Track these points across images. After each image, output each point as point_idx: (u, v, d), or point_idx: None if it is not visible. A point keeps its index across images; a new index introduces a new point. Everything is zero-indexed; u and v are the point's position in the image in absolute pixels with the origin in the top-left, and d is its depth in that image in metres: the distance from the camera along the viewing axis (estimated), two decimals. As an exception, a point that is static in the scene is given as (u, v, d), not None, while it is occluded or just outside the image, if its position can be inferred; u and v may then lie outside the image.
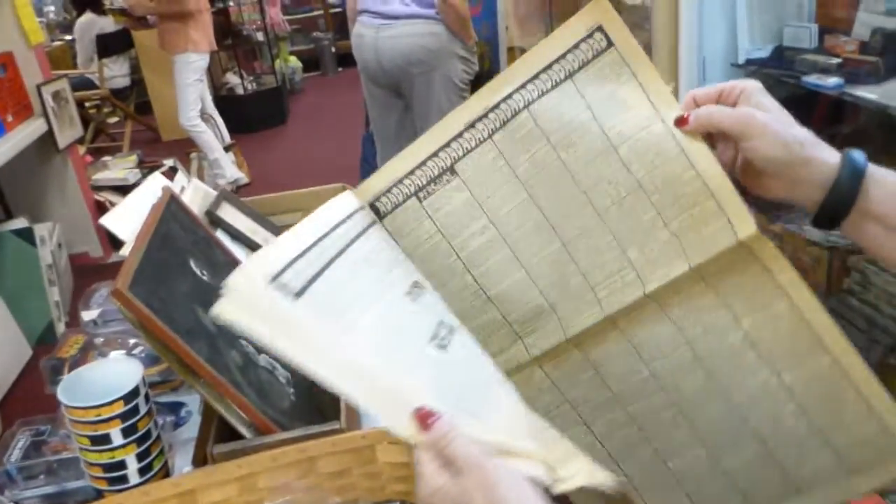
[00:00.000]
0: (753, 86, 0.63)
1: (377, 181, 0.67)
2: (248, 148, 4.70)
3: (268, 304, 0.54)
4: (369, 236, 0.66)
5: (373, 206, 0.67)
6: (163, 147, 5.48)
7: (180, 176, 1.33)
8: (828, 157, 0.61)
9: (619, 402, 0.69)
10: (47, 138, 3.05)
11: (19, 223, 2.88)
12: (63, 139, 3.12)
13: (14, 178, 3.04)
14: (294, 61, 7.15)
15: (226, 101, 5.41)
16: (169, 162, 4.00)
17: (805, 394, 0.65)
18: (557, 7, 3.32)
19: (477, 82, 2.73)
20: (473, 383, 0.61)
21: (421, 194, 0.66)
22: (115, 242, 3.52)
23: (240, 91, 5.88)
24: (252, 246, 1.32)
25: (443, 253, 0.67)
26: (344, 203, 0.66)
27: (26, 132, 2.89)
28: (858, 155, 0.61)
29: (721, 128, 0.61)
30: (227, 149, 4.31)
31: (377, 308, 0.61)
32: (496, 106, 0.65)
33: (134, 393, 0.85)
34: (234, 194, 1.47)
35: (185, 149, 4.48)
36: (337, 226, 0.63)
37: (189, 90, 4.04)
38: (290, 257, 0.58)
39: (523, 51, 3.76)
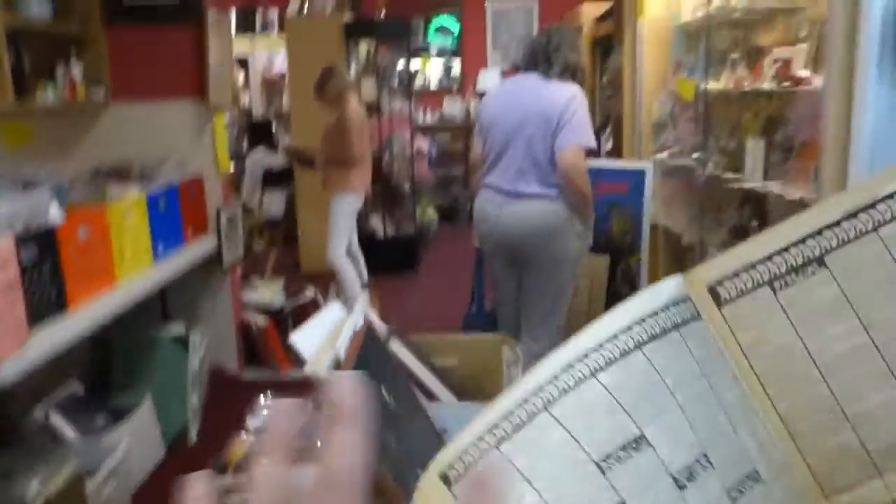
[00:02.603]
0: None
1: (723, 262, 0.59)
2: (379, 290, 4.90)
3: None
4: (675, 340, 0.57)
5: (712, 291, 0.59)
6: (299, 277, 5.79)
7: (358, 307, 1.44)
8: None
9: None
10: (215, 255, 3.33)
11: (177, 329, 3.09)
12: (228, 258, 3.40)
13: (178, 286, 3.31)
14: (432, 213, 7.53)
15: (364, 243, 5.72)
16: (310, 292, 4.24)
17: None
18: (700, 191, 3.41)
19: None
20: None
21: (776, 284, 0.57)
22: (247, 360, 3.72)
23: (380, 235, 6.22)
24: (416, 381, 1.40)
25: (794, 355, 0.58)
26: (662, 291, 0.59)
27: (200, 247, 3.18)
28: None
29: None
30: (363, 287, 4.53)
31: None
32: (890, 196, 0.55)
33: None
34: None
35: (320, 281, 4.73)
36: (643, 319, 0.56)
37: (342, 228, 4.33)
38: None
39: (667, 229, 3.84)
